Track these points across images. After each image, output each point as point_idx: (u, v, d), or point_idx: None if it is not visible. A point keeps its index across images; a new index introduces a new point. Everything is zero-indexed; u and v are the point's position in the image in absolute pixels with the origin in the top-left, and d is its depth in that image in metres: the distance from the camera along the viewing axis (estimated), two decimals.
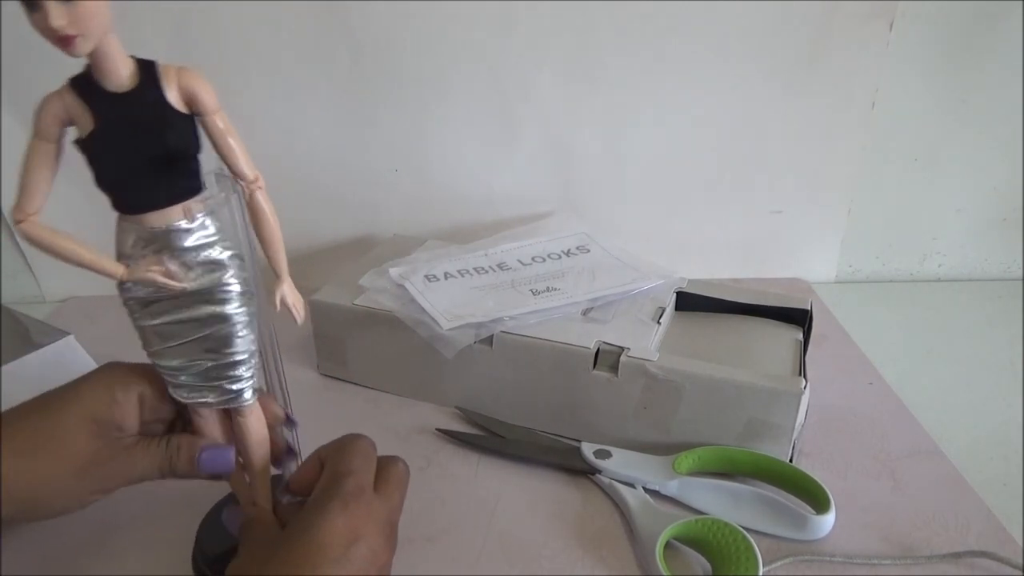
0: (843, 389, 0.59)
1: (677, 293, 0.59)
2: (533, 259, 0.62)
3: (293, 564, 0.32)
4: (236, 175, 0.32)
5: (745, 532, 0.42)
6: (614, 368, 0.50)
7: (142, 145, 0.30)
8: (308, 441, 0.45)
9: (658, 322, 0.54)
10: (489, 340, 0.53)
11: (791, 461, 0.49)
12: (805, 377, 0.48)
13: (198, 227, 0.32)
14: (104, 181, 0.31)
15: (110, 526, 0.46)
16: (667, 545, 0.43)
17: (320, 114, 0.69)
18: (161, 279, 0.32)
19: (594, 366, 0.51)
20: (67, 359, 0.53)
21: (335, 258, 0.76)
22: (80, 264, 0.31)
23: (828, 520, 0.44)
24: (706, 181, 0.74)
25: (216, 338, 0.35)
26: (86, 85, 0.29)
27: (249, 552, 0.35)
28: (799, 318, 0.57)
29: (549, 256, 0.63)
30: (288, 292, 0.35)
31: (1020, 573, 0.42)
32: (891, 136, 0.72)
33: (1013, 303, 0.75)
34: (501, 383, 0.54)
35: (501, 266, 0.61)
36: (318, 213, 0.76)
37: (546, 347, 0.51)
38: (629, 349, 0.50)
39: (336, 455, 0.37)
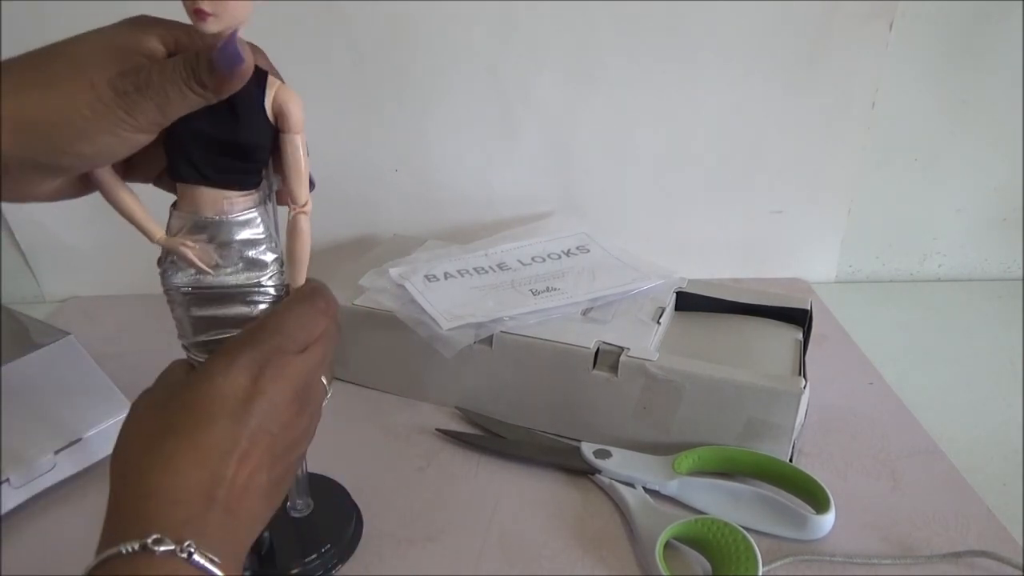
0: (843, 389, 0.59)
1: (677, 293, 0.59)
2: (533, 259, 0.62)
3: (189, 411, 0.31)
4: (290, 195, 0.33)
5: (745, 532, 0.42)
6: (614, 368, 0.50)
7: (218, 124, 0.31)
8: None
9: (658, 322, 0.54)
10: (489, 340, 0.53)
11: (791, 461, 0.49)
12: (805, 377, 0.48)
13: (247, 224, 0.34)
14: (170, 141, 0.32)
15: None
16: (667, 545, 0.43)
17: (320, 114, 0.69)
18: (191, 255, 0.33)
19: (594, 366, 0.51)
20: (67, 359, 0.53)
21: (335, 258, 0.76)
22: (127, 216, 0.33)
23: (828, 520, 0.44)
24: (706, 181, 0.74)
25: None
26: None
27: (161, 382, 0.34)
28: (799, 318, 0.57)
29: (549, 256, 0.63)
30: None
31: (1020, 573, 0.42)
32: (891, 136, 0.72)
33: (1013, 303, 0.75)
34: (501, 383, 0.54)
35: (501, 266, 0.61)
36: (318, 213, 0.74)
37: (546, 347, 0.51)
38: (629, 349, 0.50)
39: (277, 311, 0.35)
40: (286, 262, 0.36)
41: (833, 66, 0.67)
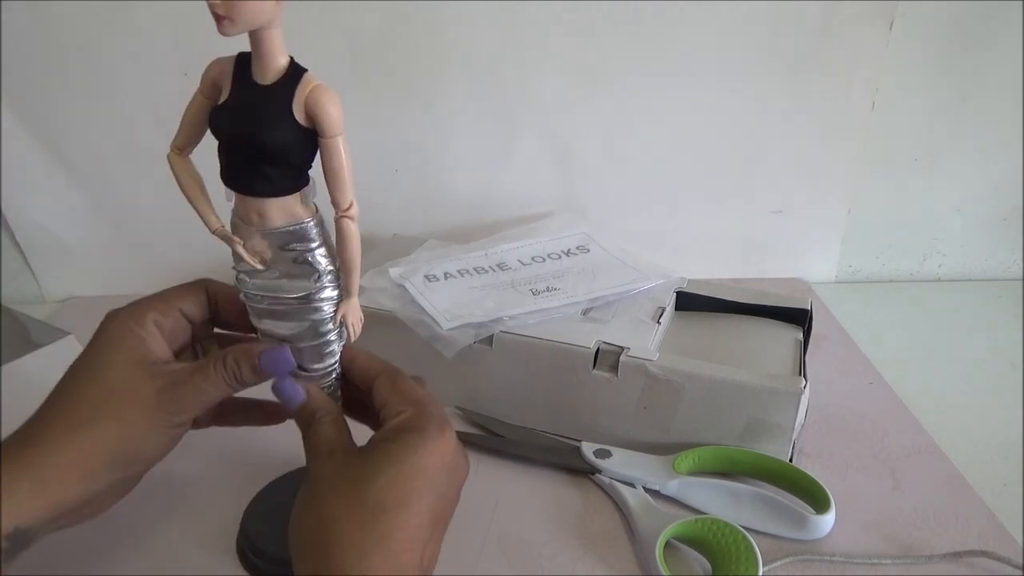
0: (843, 389, 0.59)
1: (677, 293, 0.59)
2: (533, 259, 0.62)
3: (397, 488, 0.31)
4: (332, 200, 0.33)
5: (745, 532, 0.42)
6: (614, 368, 0.50)
7: (245, 133, 0.31)
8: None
9: (658, 322, 0.54)
10: (489, 340, 0.53)
11: (791, 461, 0.49)
12: (805, 377, 0.48)
13: (294, 231, 0.33)
14: (219, 149, 0.32)
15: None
16: (667, 545, 0.43)
17: None
18: (240, 249, 0.34)
19: (594, 366, 0.51)
20: (67, 359, 0.52)
21: None
22: (191, 203, 0.34)
23: (828, 520, 0.44)
24: (706, 181, 0.74)
25: (300, 354, 0.36)
26: (244, 65, 0.31)
27: (324, 473, 0.34)
28: (799, 318, 0.57)
29: (549, 256, 0.63)
30: (351, 310, 0.36)
31: (1020, 573, 0.42)
32: (891, 136, 0.72)
33: (1013, 303, 0.75)
34: (501, 383, 0.54)
35: (501, 266, 0.61)
36: None
37: (546, 347, 0.51)
38: (629, 349, 0.50)
39: (412, 384, 0.37)
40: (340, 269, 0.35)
41: (833, 67, 0.67)
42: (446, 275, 0.59)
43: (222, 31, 0.27)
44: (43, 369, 0.51)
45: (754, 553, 0.40)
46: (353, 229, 0.33)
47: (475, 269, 0.60)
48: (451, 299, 0.56)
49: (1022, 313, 0.73)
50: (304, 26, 0.64)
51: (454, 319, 0.53)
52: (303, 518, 0.32)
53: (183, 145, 0.33)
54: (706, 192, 0.75)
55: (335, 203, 0.32)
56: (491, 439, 0.54)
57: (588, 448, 0.51)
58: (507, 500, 0.48)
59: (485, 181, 0.74)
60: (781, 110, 0.70)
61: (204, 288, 0.38)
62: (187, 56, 0.66)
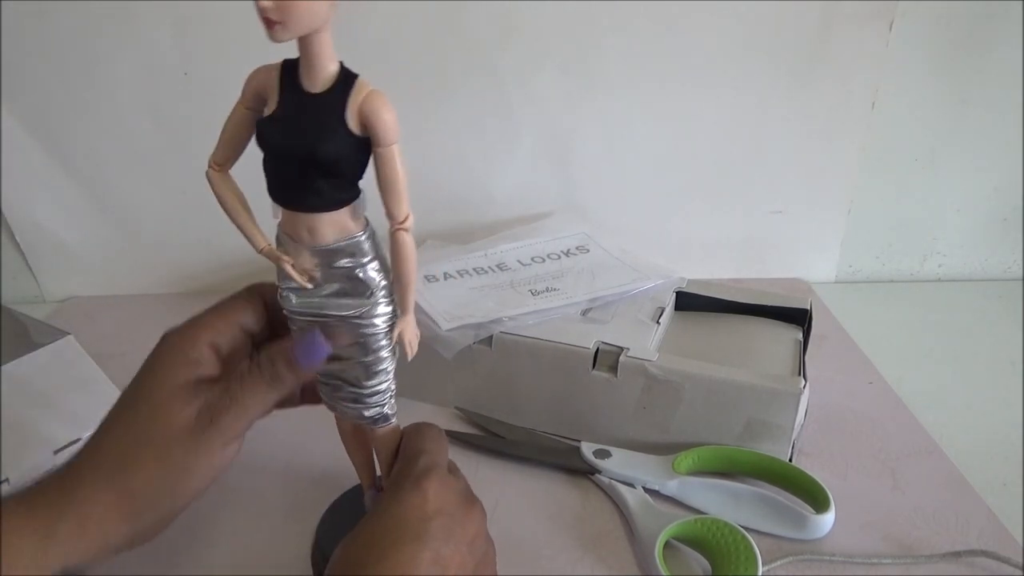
0: (843, 389, 0.59)
1: (677, 293, 0.59)
2: (533, 259, 0.62)
3: (375, 541, 0.32)
4: (386, 212, 0.31)
5: (745, 532, 0.42)
6: (613, 368, 0.50)
7: (296, 145, 0.29)
8: (309, 441, 0.45)
9: (658, 322, 0.54)
10: (489, 340, 0.53)
11: (791, 461, 0.49)
12: (805, 377, 0.48)
13: (345, 247, 0.32)
14: (264, 163, 0.31)
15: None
16: (667, 545, 0.43)
17: None
18: (288, 267, 0.32)
19: (593, 366, 0.51)
20: (67, 359, 0.53)
21: None
22: (235, 223, 0.32)
23: (828, 519, 0.44)
24: (706, 181, 0.74)
25: (353, 368, 0.35)
26: (291, 72, 0.29)
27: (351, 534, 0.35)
28: (799, 318, 0.57)
29: (549, 256, 0.63)
30: (407, 327, 0.34)
31: (1020, 572, 0.42)
32: (891, 136, 0.72)
33: (1013, 303, 0.75)
34: (501, 383, 0.54)
35: (501, 266, 0.61)
36: None
37: (546, 347, 0.51)
38: (629, 349, 0.50)
39: (406, 440, 0.37)
40: (394, 282, 0.33)
41: (833, 66, 0.67)
42: (446, 275, 0.59)
43: (273, 37, 0.26)
44: (43, 369, 0.51)
45: (754, 553, 0.40)
46: (410, 242, 0.31)
47: (475, 269, 0.60)
48: (451, 299, 0.56)
49: (1022, 313, 0.73)
50: None
51: (453, 319, 0.53)
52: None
53: (223, 160, 0.32)
54: (706, 192, 0.75)
55: (390, 215, 0.31)
56: (491, 439, 0.54)
57: (587, 448, 0.51)
58: (507, 500, 0.48)
59: (485, 181, 0.74)
60: (781, 110, 0.70)
61: (260, 295, 0.37)
62: (187, 56, 0.66)
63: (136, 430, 0.33)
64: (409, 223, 0.31)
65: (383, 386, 0.36)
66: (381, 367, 0.35)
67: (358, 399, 0.36)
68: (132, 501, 0.32)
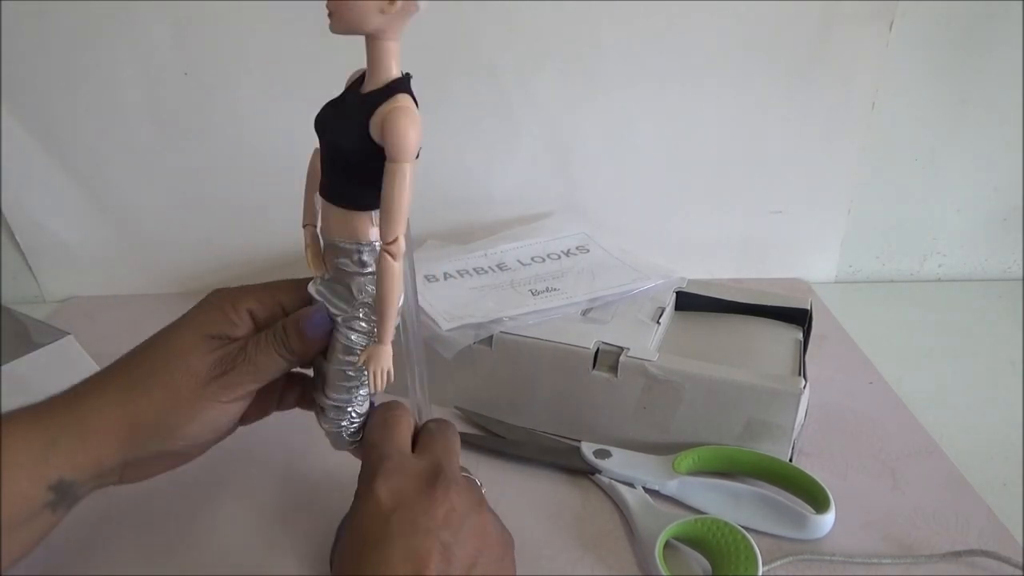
0: (843, 389, 0.59)
1: (677, 293, 0.59)
2: (533, 259, 0.62)
3: (349, 553, 0.33)
4: (381, 229, 0.30)
5: (745, 532, 0.41)
6: (614, 368, 0.50)
7: (323, 130, 0.32)
8: (310, 441, 0.45)
9: (658, 322, 0.54)
10: (489, 340, 0.53)
11: (791, 461, 0.49)
12: (805, 377, 0.48)
13: (345, 250, 0.33)
14: None
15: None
16: (667, 545, 0.43)
17: None
18: (307, 252, 0.36)
19: (594, 366, 0.51)
20: (67, 359, 0.53)
21: None
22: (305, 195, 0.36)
23: (828, 519, 0.44)
24: (706, 181, 0.74)
25: (326, 369, 0.36)
26: (364, 74, 0.31)
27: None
28: (799, 318, 0.57)
29: (549, 256, 0.63)
30: (377, 357, 0.33)
31: (1020, 572, 0.42)
32: (891, 136, 0.72)
33: (1013, 303, 0.75)
34: (501, 383, 0.54)
35: (501, 266, 0.61)
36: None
37: (546, 347, 0.51)
38: (629, 349, 0.50)
39: (363, 437, 0.39)
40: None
41: (833, 66, 0.67)
42: (446, 275, 0.59)
43: (331, 28, 0.28)
44: (43, 369, 0.51)
45: (754, 553, 0.40)
46: (393, 267, 0.30)
47: (475, 269, 0.60)
48: (451, 299, 0.56)
49: (1022, 313, 0.73)
50: (303, 26, 0.65)
51: (453, 319, 0.53)
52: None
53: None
54: (706, 192, 0.75)
55: (380, 232, 0.30)
56: (491, 439, 0.54)
57: (588, 448, 0.51)
58: (507, 500, 0.48)
59: (485, 181, 0.74)
60: (781, 110, 0.70)
61: (304, 288, 0.38)
62: (187, 56, 0.66)
63: (153, 360, 0.35)
64: (396, 248, 0.30)
65: (345, 405, 0.37)
66: (343, 382, 0.36)
67: (323, 407, 0.37)
68: (132, 426, 0.34)
